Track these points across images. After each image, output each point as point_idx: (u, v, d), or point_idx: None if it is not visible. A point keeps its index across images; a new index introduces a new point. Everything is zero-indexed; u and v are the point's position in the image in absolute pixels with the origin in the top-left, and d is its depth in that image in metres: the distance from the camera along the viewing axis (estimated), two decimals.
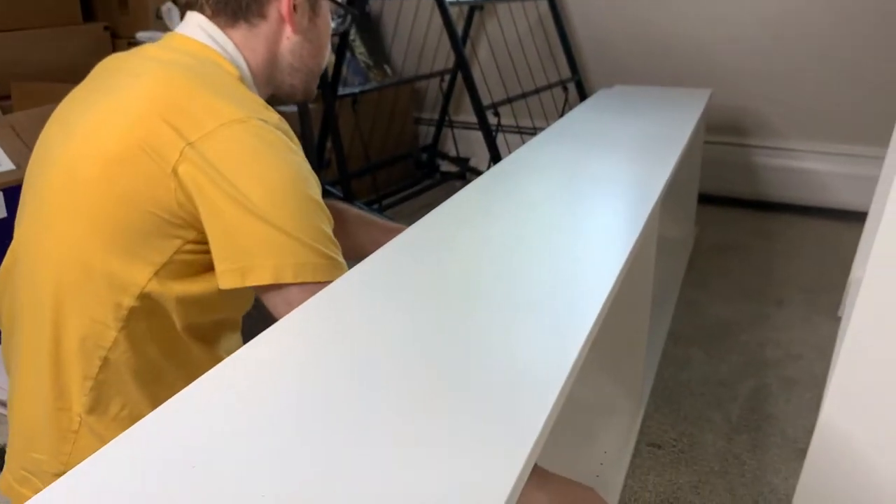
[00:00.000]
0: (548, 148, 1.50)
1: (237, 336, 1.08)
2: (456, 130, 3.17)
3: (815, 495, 1.14)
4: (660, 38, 2.69)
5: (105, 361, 0.91)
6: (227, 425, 0.60)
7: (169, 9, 2.46)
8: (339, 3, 1.10)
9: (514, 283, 0.87)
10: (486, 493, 0.52)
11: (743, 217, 2.70)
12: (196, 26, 0.96)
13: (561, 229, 1.05)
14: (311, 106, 2.54)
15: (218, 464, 0.55)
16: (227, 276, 0.86)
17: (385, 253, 0.95)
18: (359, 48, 3.01)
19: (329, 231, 0.91)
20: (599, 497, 0.86)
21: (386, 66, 3.14)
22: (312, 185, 0.91)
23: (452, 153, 3.21)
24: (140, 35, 2.44)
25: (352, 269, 0.90)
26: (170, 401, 0.63)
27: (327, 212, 0.92)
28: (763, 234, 2.53)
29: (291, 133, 0.94)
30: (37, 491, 0.68)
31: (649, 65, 2.77)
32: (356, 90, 2.67)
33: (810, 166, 2.64)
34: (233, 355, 0.70)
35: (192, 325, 0.96)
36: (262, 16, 0.98)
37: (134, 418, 0.90)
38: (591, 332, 0.76)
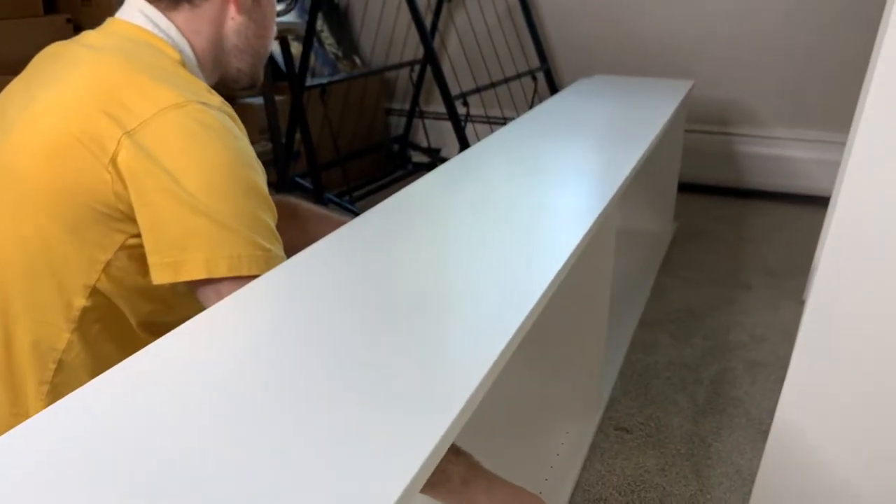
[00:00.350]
0: (517, 135, 1.51)
1: None
2: (427, 121, 3.17)
3: (777, 474, 1.16)
4: (628, 27, 2.71)
5: (60, 364, 0.89)
6: (127, 422, 0.60)
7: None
8: None
9: (450, 276, 0.87)
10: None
11: (711, 203, 2.73)
12: (136, 10, 0.93)
13: (514, 217, 1.06)
14: (278, 98, 2.52)
15: (111, 461, 0.56)
16: (158, 271, 0.83)
17: (317, 249, 0.95)
18: (327, 39, 3.00)
19: (269, 221, 0.89)
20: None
21: (355, 57, 3.13)
22: (255, 171, 0.88)
23: (423, 144, 3.20)
24: None
25: (276, 268, 0.87)
26: (68, 397, 0.63)
27: (269, 201, 0.90)
28: (730, 220, 2.56)
29: (236, 117, 0.92)
30: None
31: (621, 56, 2.79)
32: (325, 81, 2.65)
33: (778, 153, 2.67)
34: (142, 351, 0.70)
35: (149, 322, 0.94)
36: None
37: None
38: (522, 325, 0.76)
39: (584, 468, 1.33)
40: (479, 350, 0.70)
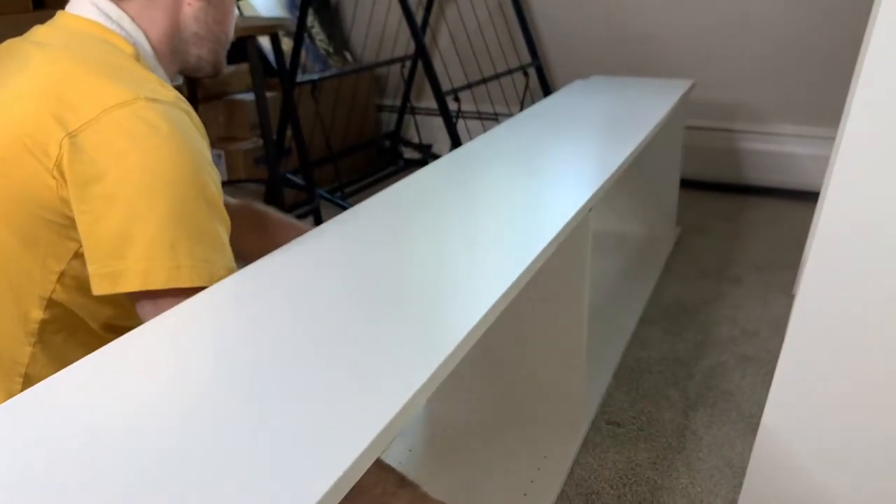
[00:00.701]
0: (510, 134, 1.51)
1: None
2: (418, 117, 3.17)
3: (767, 467, 1.17)
4: (623, 27, 2.71)
5: (27, 378, 0.85)
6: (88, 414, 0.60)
7: None
8: None
9: (426, 267, 0.87)
10: None
11: (701, 199, 2.74)
12: (86, 2, 0.88)
13: (498, 212, 1.06)
14: (269, 94, 2.51)
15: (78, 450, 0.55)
16: (97, 281, 0.78)
17: (303, 241, 0.95)
18: (318, 35, 2.99)
19: (216, 227, 0.82)
20: None
21: (346, 53, 3.12)
22: (205, 174, 0.81)
23: (415, 140, 3.20)
24: None
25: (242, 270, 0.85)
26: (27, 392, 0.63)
27: (219, 207, 0.84)
28: (721, 215, 2.57)
29: (192, 112, 0.87)
30: None
31: (617, 57, 2.79)
32: (315, 77, 2.64)
33: (771, 148, 2.68)
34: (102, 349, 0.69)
35: (113, 326, 0.90)
36: None
37: None
38: (496, 304, 0.78)
39: (576, 462, 1.33)
40: (456, 322, 0.72)
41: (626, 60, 2.80)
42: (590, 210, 1.16)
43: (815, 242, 1.03)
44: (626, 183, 2.22)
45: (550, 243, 0.96)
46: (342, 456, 0.54)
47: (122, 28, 0.88)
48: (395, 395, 0.62)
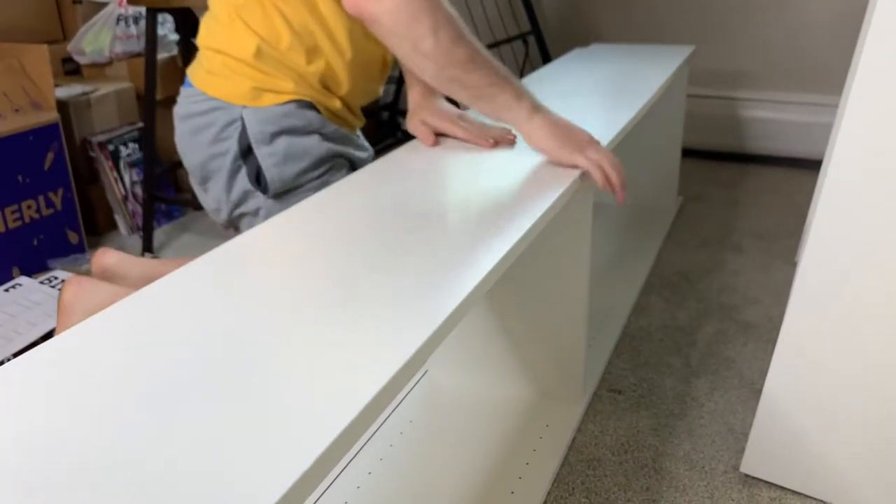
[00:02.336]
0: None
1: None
2: None
3: (769, 432, 1.17)
4: None
5: None
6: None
7: None
8: None
9: (431, 224, 0.86)
10: None
11: (701, 167, 2.72)
12: None
13: (492, 181, 1.05)
14: None
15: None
16: None
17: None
18: None
19: None
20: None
21: None
22: None
23: None
24: None
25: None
26: None
27: None
28: (720, 184, 2.55)
29: None
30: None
31: (619, 25, 2.76)
32: None
33: (773, 116, 2.66)
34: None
35: None
36: None
37: None
38: (497, 265, 0.77)
39: (578, 430, 1.33)
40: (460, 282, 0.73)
41: (628, 29, 2.76)
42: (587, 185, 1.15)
43: (818, 211, 1.02)
44: (628, 152, 2.20)
45: (553, 205, 0.95)
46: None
47: None
48: (400, 350, 0.61)
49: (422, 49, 1.00)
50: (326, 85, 1.19)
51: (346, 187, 1.03)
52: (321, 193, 1.01)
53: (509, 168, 1.09)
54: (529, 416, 1.33)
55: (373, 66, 1.25)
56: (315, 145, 1.17)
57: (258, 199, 1.18)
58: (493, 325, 1.34)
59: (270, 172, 1.15)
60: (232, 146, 1.16)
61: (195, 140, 1.19)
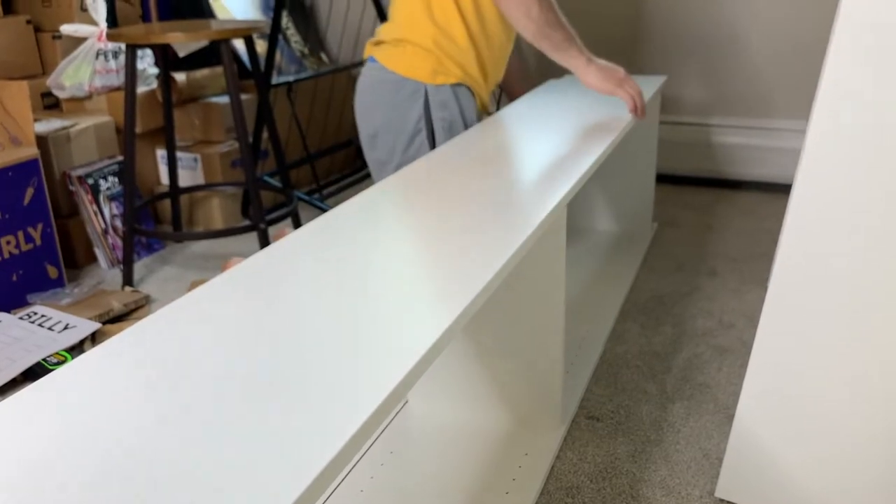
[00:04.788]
0: (481, 135, 1.52)
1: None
2: None
3: (742, 456, 1.19)
4: (595, 23, 2.73)
5: None
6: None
7: (94, 0, 2.40)
8: None
9: (406, 266, 0.89)
10: None
11: (675, 192, 2.77)
12: None
13: (466, 214, 1.07)
14: (244, 96, 2.51)
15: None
16: None
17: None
18: (293, 36, 2.98)
19: None
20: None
21: (321, 54, 3.12)
22: None
23: None
24: (64, 28, 2.38)
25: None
26: None
27: None
28: (695, 209, 2.60)
29: None
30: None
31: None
32: (291, 79, 2.64)
33: (739, 141, 2.72)
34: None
35: None
36: None
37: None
38: (470, 305, 0.79)
39: (557, 457, 1.35)
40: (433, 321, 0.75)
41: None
42: (565, 206, 1.17)
43: (785, 234, 1.05)
44: (603, 180, 2.24)
45: (527, 241, 0.97)
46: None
47: None
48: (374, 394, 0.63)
49: (531, 14, 1.47)
50: (483, 69, 1.61)
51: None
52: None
53: (484, 201, 1.12)
54: (508, 445, 1.35)
55: (503, 52, 1.68)
56: (463, 124, 1.61)
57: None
58: (472, 355, 1.36)
59: (440, 138, 1.59)
60: (417, 111, 1.57)
61: (379, 101, 1.60)
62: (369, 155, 1.67)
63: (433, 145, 1.59)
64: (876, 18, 0.92)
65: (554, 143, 1.44)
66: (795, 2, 2.49)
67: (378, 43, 1.62)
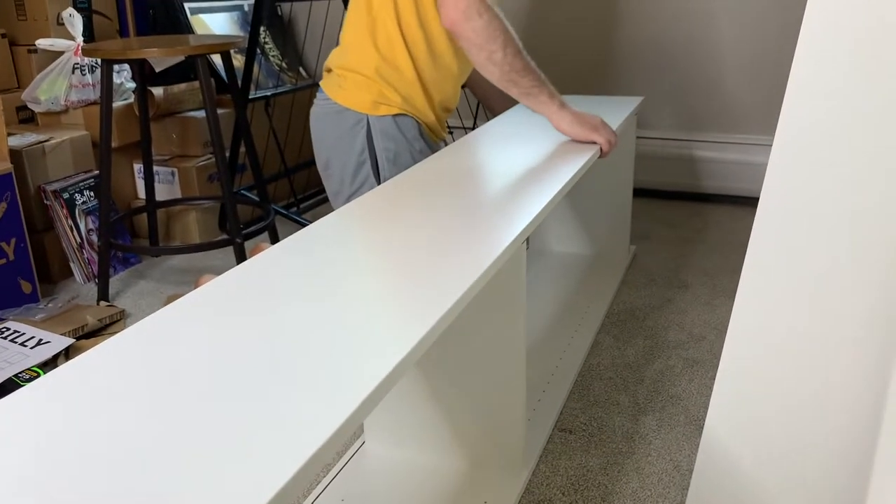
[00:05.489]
0: (453, 159, 1.51)
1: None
2: None
3: (711, 468, 1.21)
4: (570, 43, 2.77)
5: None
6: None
7: (71, 14, 2.40)
8: None
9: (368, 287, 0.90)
10: None
11: (648, 206, 2.81)
12: None
13: (428, 240, 1.09)
14: (222, 110, 2.51)
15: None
16: None
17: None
18: (271, 50, 2.99)
19: None
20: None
21: (300, 68, 3.13)
22: None
23: None
24: (40, 42, 2.37)
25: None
26: None
27: None
28: (667, 222, 2.64)
29: None
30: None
31: (568, 76, 2.85)
32: (269, 93, 2.65)
33: (712, 156, 2.76)
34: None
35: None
36: None
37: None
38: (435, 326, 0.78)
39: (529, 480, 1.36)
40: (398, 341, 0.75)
41: (579, 77, 2.86)
42: (523, 242, 1.13)
43: (751, 248, 1.08)
44: (577, 202, 2.24)
45: (481, 277, 0.95)
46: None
47: None
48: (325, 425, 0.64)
49: (494, 59, 1.41)
50: (430, 100, 1.57)
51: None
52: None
53: (440, 235, 1.09)
54: (468, 489, 1.30)
55: (456, 82, 1.63)
56: (408, 157, 1.56)
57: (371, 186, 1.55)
58: (429, 394, 1.32)
59: (384, 169, 1.54)
60: (360, 142, 1.54)
61: (326, 132, 1.59)
62: (325, 184, 1.67)
63: (378, 175, 1.57)
64: (838, 34, 0.95)
65: (516, 172, 1.40)
66: (761, 21, 2.55)
67: (328, 70, 1.61)
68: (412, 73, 1.52)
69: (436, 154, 1.53)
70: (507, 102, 2.05)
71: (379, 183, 1.54)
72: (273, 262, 0.99)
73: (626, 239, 2.28)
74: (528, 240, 1.19)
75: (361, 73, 1.52)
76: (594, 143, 1.54)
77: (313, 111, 1.63)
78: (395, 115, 1.53)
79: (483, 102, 2.08)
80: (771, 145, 2.61)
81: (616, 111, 1.94)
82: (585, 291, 2.07)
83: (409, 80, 1.52)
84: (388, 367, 0.73)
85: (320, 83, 1.62)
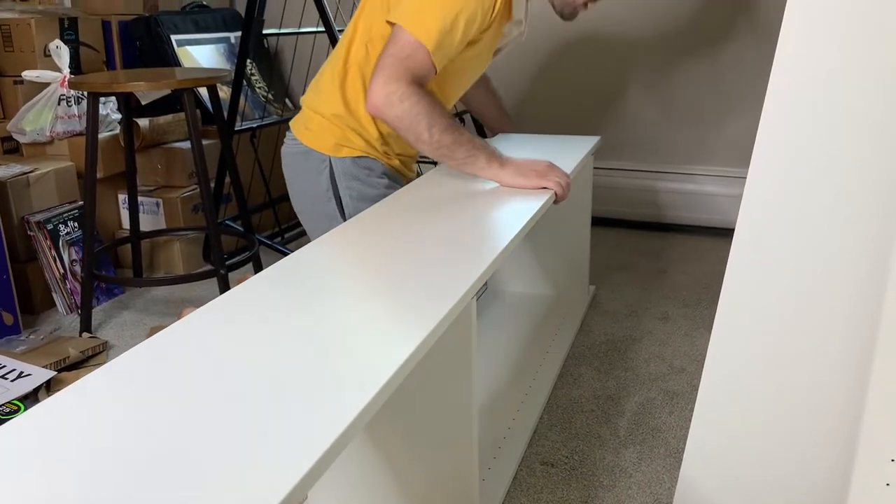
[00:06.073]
0: (412, 198, 1.50)
1: None
2: None
3: (690, 500, 1.22)
4: (528, 84, 2.81)
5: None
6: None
7: (58, 46, 2.41)
8: None
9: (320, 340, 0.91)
10: None
11: (626, 237, 2.84)
12: None
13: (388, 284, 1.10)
14: (207, 141, 2.53)
15: None
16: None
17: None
18: (257, 82, 3.02)
19: (457, 36, 1.43)
20: None
21: (286, 100, 3.16)
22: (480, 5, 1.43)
23: None
24: (26, 74, 2.39)
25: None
26: None
27: (469, 31, 1.45)
28: (646, 253, 2.67)
29: None
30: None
31: (526, 110, 2.90)
32: (254, 125, 2.68)
33: (690, 188, 2.80)
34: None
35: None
36: None
37: None
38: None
39: None
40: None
41: (540, 113, 2.90)
42: (473, 297, 1.10)
43: (726, 280, 1.10)
44: (534, 243, 2.20)
45: (425, 341, 0.91)
46: None
47: None
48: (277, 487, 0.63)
49: (421, 140, 1.44)
50: (389, 147, 1.63)
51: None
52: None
53: (382, 294, 1.05)
54: (458, 491, 1.27)
55: None
56: (374, 193, 1.61)
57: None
58: (380, 461, 1.27)
59: (348, 206, 1.62)
60: (324, 181, 1.62)
61: (295, 172, 1.67)
62: (301, 220, 1.76)
63: (343, 214, 1.63)
64: (807, 68, 0.99)
65: (471, 215, 1.38)
66: (738, 55, 2.61)
67: (300, 106, 1.68)
68: (374, 128, 1.59)
69: (394, 194, 1.52)
70: (503, 118, 2.14)
71: (345, 219, 1.60)
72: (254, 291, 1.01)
73: (584, 279, 2.21)
74: (486, 282, 1.17)
75: (326, 117, 1.60)
76: (545, 188, 1.53)
77: (283, 150, 1.70)
78: (357, 157, 1.60)
79: (478, 118, 2.13)
80: (737, 177, 2.61)
81: (570, 151, 1.89)
82: (544, 332, 2.02)
83: (372, 134, 1.60)
84: (333, 437, 0.70)
85: (290, 122, 1.70)
